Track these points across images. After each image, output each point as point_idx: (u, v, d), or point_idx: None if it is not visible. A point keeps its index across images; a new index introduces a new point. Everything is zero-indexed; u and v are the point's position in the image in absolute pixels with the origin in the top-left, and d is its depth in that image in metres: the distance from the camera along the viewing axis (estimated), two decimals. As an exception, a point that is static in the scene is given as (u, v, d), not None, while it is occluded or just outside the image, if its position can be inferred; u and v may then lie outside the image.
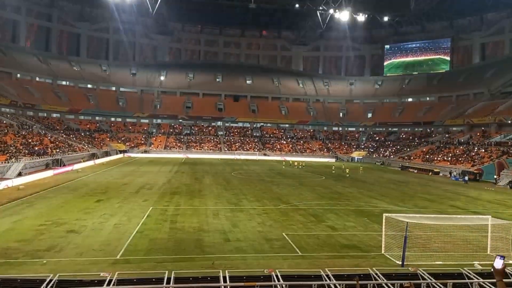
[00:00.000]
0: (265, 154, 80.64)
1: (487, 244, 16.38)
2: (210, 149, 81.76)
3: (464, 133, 71.31)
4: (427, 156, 65.46)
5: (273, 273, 10.83)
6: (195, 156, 74.68)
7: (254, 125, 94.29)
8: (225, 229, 19.20)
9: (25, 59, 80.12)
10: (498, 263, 4.33)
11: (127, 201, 25.93)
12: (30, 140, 51.11)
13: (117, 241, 16.43)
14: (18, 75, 77.76)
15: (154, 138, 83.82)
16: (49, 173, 39.50)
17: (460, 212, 25.48)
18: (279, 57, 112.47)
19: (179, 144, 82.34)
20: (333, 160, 77.84)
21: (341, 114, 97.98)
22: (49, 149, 50.68)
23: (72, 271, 12.80)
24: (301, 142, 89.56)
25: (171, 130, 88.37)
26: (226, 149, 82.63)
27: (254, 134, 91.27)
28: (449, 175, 51.21)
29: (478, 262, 14.39)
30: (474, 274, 11.21)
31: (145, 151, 76.84)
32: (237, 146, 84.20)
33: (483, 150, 57.78)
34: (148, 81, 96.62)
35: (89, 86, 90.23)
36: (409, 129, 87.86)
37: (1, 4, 78.73)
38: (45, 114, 75.95)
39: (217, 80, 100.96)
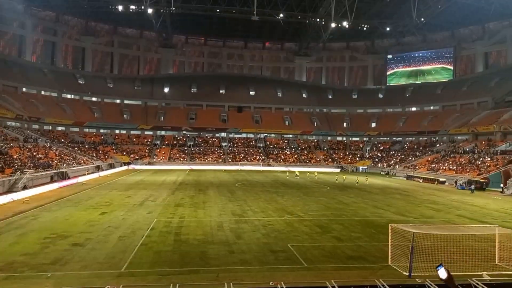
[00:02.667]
0: (269, 165, 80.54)
1: (495, 254, 16.15)
2: (214, 161, 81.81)
3: (469, 141, 70.97)
4: (433, 165, 65.09)
5: (278, 286, 10.72)
6: (199, 168, 74.67)
7: (258, 136, 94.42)
8: (229, 241, 19.09)
9: (30, 73, 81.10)
10: (442, 274, 4.28)
11: (131, 214, 25.90)
12: (35, 153, 51.41)
13: (121, 253, 16.37)
14: (24, 89, 78.65)
15: (158, 150, 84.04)
16: (54, 186, 39.62)
17: (467, 222, 25.21)
18: (282, 68, 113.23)
19: (183, 156, 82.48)
20: (338, 170, 77.59)
21: (344, 124, 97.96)
22: (54, 162, 50.93)
23: (77, 284, 12.77)
24: (305, 152, 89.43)
25: (175, 142, 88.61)
26: (230, 160, 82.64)
27: (258, 145, 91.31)
28: (454, 184, 50.81)
29: (486, 273, 14.18)
30: (482, 285, 11.02)
31: (149, 163, 76.98)
32: (241, 157, 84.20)
33: (488, 159, 57.37)
34: (152, 93, 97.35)
35: (93, 99, 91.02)
36: (414, 138, 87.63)
37: (7, 19, 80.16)
38: (50, 127, 76.54)
39: (221, 91, 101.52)
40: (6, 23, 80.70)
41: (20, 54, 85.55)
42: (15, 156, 45.20)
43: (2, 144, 47.94)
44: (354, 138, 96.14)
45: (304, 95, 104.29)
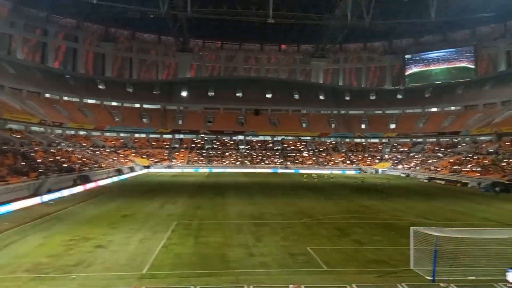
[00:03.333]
0: (286, 167, 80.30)
1: (522, 258, 15.66)
2: (232, 163, 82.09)
3: (493, 142, 69.04)
4: (455, 167, 63.57)
5: (299, 289, 10.70)
6: (217, 171, 75.07)
7: (275, 138, 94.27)
8: (249, 243, 19.12)
9: (53, 79, 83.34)
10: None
11: (152, 216, 26.25)
12: (58, 157, 52.75)
13: (143, 256, 16.62)
14: (47, 94, 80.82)
15: (177, 153, 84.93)
16: (76, 189, 40.53)
17: (493, 225, 24.53)
18: (298, 70, 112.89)
19: (201, 159, 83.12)
20: (357, 172, 76.66)
21: (363, 125, 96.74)
22: (76, 165, 52.13)
23: (100, 286, 13.04)
24: (323, 154, 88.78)
25: (193, 145, 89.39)
26: (247, 162, 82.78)
27: (275, 148, 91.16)
28: (478, 187, 49.47)
29: (513, 277, 13.74)
30: (510, 290, 10.72)
31: (169, 166, 77.87)
32: (258, 160, 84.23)
33: (513, 160, 55.69)
34: (171, 97, 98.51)
35: (113, 103, 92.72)
36: (434, 139, 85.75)
37: (30, 27, 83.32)
38: (73, 132, 78.35)
39: (237, 94, 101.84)
40: (29, 31, 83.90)
41: (43, 60, 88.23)
42: (39, 160, 46.50)
43: (27, 149, 49.41)
44: (372, 140, 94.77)
45: (321, 97, 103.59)
